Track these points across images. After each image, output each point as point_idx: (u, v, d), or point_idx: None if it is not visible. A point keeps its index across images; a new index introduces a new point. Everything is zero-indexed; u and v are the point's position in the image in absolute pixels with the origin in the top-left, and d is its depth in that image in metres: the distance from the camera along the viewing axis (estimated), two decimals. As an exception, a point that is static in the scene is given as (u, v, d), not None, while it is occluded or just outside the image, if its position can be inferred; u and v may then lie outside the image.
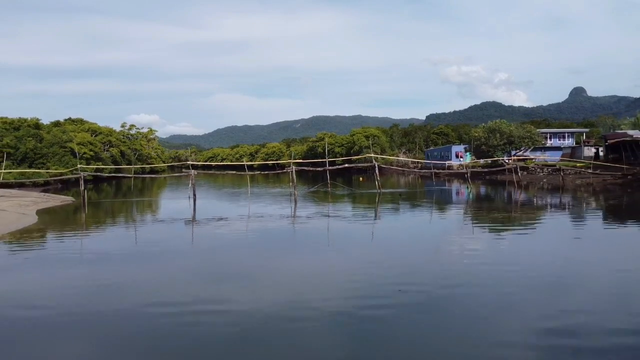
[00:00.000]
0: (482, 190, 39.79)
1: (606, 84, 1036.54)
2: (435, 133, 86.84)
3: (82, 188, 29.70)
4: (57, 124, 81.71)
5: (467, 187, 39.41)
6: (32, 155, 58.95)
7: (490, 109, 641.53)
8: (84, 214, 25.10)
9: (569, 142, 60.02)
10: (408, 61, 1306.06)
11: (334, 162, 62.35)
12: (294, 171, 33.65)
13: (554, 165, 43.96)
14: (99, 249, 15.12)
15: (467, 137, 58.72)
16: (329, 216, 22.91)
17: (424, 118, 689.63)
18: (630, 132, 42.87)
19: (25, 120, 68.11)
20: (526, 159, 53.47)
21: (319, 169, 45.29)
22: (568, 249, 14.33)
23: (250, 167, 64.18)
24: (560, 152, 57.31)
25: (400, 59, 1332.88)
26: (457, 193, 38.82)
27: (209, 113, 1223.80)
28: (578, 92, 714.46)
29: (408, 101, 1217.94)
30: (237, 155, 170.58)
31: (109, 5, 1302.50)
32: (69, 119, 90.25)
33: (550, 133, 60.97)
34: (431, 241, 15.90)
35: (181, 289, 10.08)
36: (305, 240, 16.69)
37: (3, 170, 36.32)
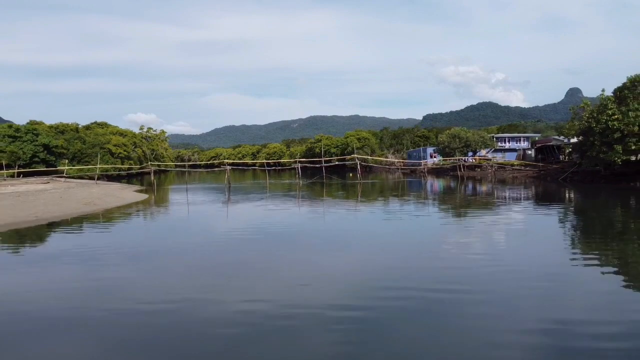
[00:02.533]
0: (438, 183, 53.47)
1: (602, 84, 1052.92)
2: (418, 136, 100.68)
3: (153, 178, 43.04)
4: (88, 127, 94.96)
5: (423, 180, 53.30)
6: (79, 155, 72.21)
7: (486, 110, 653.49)
8: (154, 194, 38.37)
9: (525, 144, 73.78)
10: (405, 61, 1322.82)
11: (329, 161, 76.78)
12: (299, 167, 47.22)
13: (499, 164, 58.02)
14: (192, 206, 28.53)
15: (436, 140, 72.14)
16: (323, 200, 36.43)
17: (420, 118, 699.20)
18: (557, 137, 56.41)
19: (68, 125, 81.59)
20: (488, 159, 67.34)
21: (317, 165, 58.70)
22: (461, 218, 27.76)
23: (266, 164, 77.87)
24: (516, 153, 71.12)
25: (397, 59, 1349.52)
26: (421, 184, 52.40)
27: (206, 112, 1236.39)
28: (574, 92, 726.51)
29: (405, 101, 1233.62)
30: (240, 155, 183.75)
31: (107, 4, 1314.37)
32: (95, 122, 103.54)
33: (508, 137, 74.97)
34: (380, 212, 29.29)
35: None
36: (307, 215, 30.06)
37: (91, 166, 49.54)
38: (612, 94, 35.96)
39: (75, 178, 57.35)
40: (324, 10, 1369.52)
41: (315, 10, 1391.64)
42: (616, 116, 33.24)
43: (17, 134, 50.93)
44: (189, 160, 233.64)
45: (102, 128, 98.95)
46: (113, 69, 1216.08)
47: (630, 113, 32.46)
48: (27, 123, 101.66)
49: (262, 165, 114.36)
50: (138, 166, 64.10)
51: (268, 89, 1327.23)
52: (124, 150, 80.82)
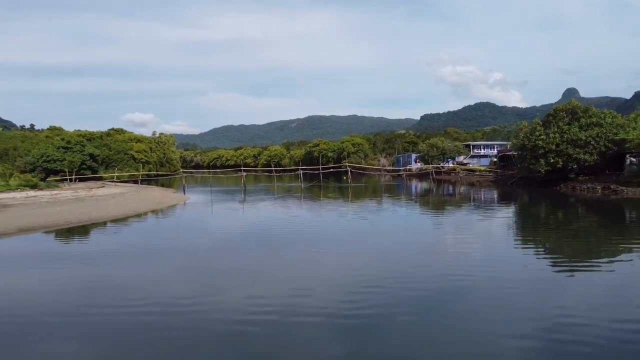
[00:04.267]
0: (418, 185, 65.05)
1: (599, 85, 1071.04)
2: (407, 142, 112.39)
3: (184, 183, 54.30)
4: (108, 134, 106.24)
5: (402, 183, 65.02)
6: (107, 160, 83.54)
7: (483, 110, 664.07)
8: (188, 194, 49.47)
9: (496, 151, 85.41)
10: (403, 61, 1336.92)
11: (326, 167, 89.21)
12: (301, 174, 58.77)
13: (467, 170, 69.83)
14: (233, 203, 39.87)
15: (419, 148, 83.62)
16: (321, 200, 47.84)
17: (418, 118, 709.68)
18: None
19: (93, 133, 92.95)
20: (464, 164, 79.15)
21: (316, 171, 70.19)
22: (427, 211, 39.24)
23: (272, 168, 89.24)
24: (489, 159, 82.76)
25: (395, 59, 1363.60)
26: (402, 186, 63.88)
27: (204, 112, 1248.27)
28: (571, 93, 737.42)
29: (403, 101, 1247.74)
30: (242, 157, 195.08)
31: (103, 3, 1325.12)
32: (113, 128, 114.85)
33: (483, 145, 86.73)
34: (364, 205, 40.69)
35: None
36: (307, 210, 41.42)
37: (139, 172, 60.76)
38: (540, 120, 47.59)
39: (112, 181, 68.69)
40: (323, 10, 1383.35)
41: (314, 10, 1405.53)
42: (541, 137, 44.78)
43: (68, 145, 62.21)
44: (191, 161, 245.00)
45: (120, 134, 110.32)
46: (111, 68, 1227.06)
47: (550, 135, 44.02)
48: (48, 128, 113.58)
49: (266, 166, 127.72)
50: (170, 172, 75.53)
51: (266, 88, 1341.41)
52: (145, 156, 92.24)
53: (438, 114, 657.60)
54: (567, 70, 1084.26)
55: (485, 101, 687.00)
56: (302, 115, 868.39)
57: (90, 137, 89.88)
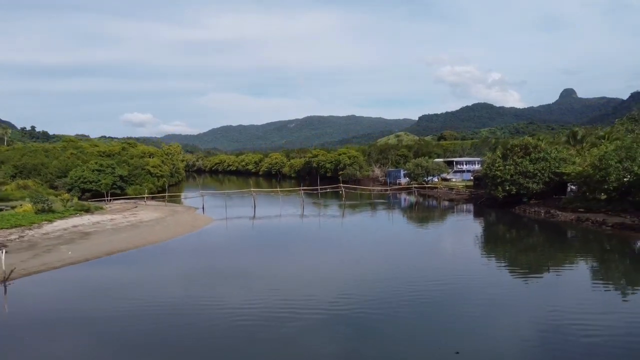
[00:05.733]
0: (402, 198, 75.90)
1: (597, 85, 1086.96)
2: (399, 155, 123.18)
3: (203, 202, 64.74)
4: (123, 147, 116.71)
5: (390, 196, 76.12)
6: (127, 177, 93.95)
7: (481, 111, 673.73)
8: (209, 214, 59.94)
9: (478, 167, 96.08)
10: (402, 61, 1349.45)
11: (325, 175, 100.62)
12: (302, 193, 69.49)
13: (447, 187, 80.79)
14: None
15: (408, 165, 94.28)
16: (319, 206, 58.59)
17: (416, 119, 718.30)
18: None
19: (113, 148, 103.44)
20: (447, 179, 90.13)
21: (315, 191, 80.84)
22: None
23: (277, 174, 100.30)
24: (470, 174, 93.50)
25: (394, 59, 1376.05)
26: (391, 202, 74.54)
27: (203, 112, 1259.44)
28: (568, 93, 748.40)
29: (401, 101, 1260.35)
30: (243, 163, 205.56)
31: (102, 3, 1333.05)
32: (127, 142, 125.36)
33: (466, 161, 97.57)
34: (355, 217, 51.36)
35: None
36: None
37: (164, 194, 71.30)
38: (500, 153, 58.31)
39: (135, 198, 79.15)
40: (322, 10, 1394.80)
41: (313, 10, 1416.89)
42: (500, 167, 55.46)
43: (101, 168, 72.74)
44: (193, 165, 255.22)
45: (134, 147, 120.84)
46: (109, 68, 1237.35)
47: (506, 167, 54.71)
48: (75, 135, 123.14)
49: (267, 173, 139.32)
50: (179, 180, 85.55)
51: (265, 88, 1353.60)
52: (159, 170, 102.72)
53: (436, 115, 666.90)
54: (565, 70, 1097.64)
55: (483, 102, 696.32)
56: (301, 116, 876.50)
57: (109, 153, 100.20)
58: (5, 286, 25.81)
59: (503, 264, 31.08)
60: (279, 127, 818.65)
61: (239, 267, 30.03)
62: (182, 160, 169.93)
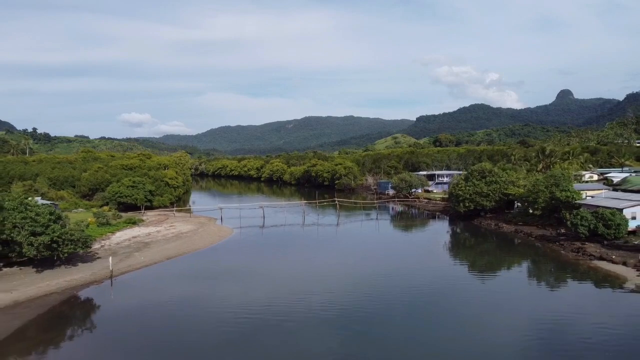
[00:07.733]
0: (390, 207, 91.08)
1: (593, 86, 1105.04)
2: (389, 166, 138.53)
3: (221, 214, 79.66)
4: (140, 159, 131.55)
5: (377, 206, 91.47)
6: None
7: (478, 111, 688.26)
8: (227, 224, 74.73)
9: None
10: (400, 61, 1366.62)
11: (322, 184, 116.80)
12: (303, 205, 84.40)
13: (427, 198, 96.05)
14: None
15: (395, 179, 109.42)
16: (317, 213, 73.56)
17: (414, 119, 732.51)
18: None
19: (133, 162, 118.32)
20: (429, 191, 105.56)
21: (313, 201, 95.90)
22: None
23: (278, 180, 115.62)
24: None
25: (391, 59, 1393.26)
26: (377, 213, 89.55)
27: (201, 112, 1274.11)
28: (565, 94, 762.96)
29: (399, 102, 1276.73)
30: (245, 169, 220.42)
31: (100, 3, 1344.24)
32: (141, 153, 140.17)
33: (446, 174, 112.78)
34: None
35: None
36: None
37: (186, 208, 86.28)
38: (464, 176, 73.44)
39: (159, 208, 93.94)
40: (319, 11, 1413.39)
41: (311, 10, 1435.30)
42: (462, 188, 70.58)
43: (134, 185, 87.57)
44: (197, 169, 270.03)
45: (149, 159, 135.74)
46: (107, 68, 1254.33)
47: (466, 187, 69.85)
48: (98, 139, 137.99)
49: (268, 179, 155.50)
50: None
51: (263, 88, 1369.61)
52: (176, 182, 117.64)
53: (433, 116, 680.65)
54: (562, 71, 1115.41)
55: (480, 102, 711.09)
56: (299, 116, 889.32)
57: (130, 166, 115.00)
58: (111, 281, 40.77)
59: (465, 266, 46.74)
60: (277, 128, 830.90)
61: (266, 267, 45.13)
62: (190, 168, 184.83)
